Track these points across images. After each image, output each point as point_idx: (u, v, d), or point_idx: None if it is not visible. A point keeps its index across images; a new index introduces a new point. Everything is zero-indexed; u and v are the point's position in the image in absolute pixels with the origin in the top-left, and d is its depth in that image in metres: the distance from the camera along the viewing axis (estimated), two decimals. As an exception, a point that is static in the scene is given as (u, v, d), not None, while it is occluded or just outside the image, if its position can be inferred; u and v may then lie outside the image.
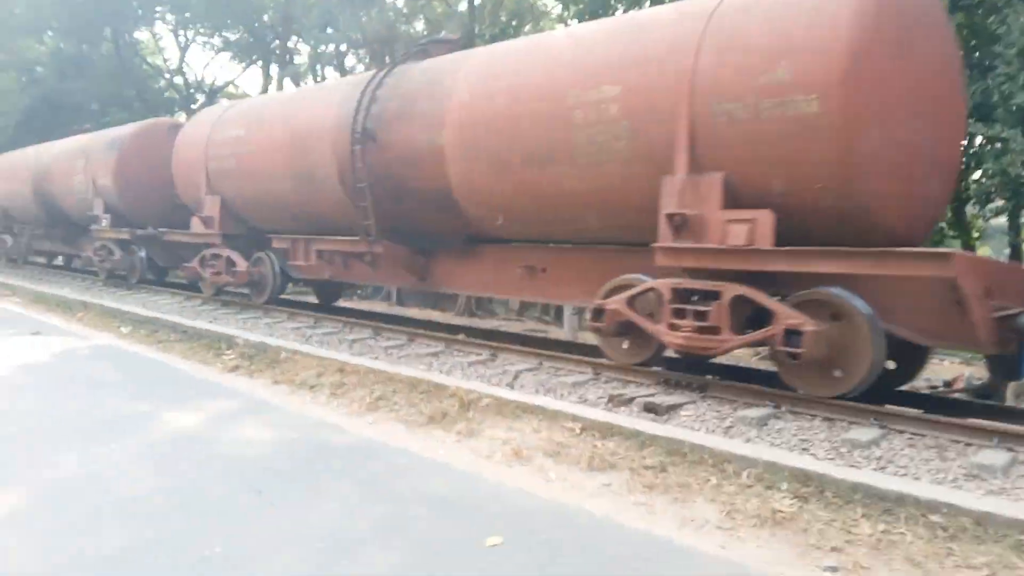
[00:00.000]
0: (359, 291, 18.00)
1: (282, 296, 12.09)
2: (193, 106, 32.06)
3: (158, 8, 29.28)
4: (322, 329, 9.26)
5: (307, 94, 10.88)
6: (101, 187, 14.85)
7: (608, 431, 4.89)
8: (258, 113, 11.39)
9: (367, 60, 21.82)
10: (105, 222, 14.86)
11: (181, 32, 31.99)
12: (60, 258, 21.48)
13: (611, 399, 5.68)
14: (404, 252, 9.05)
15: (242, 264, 11.40)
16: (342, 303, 14.09)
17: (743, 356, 9.95)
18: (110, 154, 14.58)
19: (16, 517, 3.67)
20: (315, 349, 7.82)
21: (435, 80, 8.19)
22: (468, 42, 18.39)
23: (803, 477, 4.06)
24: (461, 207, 7.96)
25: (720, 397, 5.71)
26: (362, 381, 6.64)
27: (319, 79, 24.68)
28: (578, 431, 5.01)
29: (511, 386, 6.25)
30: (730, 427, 5.01)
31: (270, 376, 7.32)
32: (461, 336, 8.63)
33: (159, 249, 14.25)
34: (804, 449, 4.58)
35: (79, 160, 15.73)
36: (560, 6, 21.18)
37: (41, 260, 21.53)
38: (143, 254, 14.60)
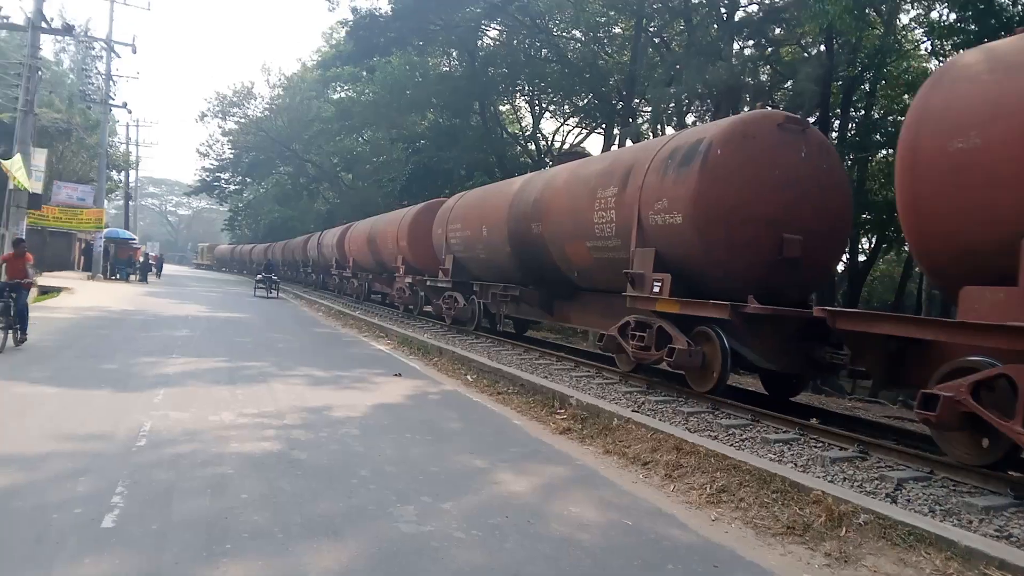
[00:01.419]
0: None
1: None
2: (547, 166, 34.69)
3: (518, 82, 32.41)
4: (655, 396, 8.67)
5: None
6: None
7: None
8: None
9: (709, 113, 21.25)
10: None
11: (536, 103, 35.05)
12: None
13: (1053, 540, 4.08)
14: None
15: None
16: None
17: None
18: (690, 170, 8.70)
19: (350, 578, 3.61)
20: (649, 420, 7.23)
21: None
22: (826, 88, 16.91)
23: None
24: None
25: None
26: (701, 465, 5.86)
27: (660, 133, 24.83)
28: (1006, 583, 3.65)
29: (892, 499, 4.96)
30: None
31: (601, 444, 6.90)
32: (814, 421, 7.38)
33: None
34: None
35: (611, 186, 10.40)
36: (928, 42, 18.61)
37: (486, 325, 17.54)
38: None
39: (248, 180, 63.84)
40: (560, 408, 8.30)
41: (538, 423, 7.90)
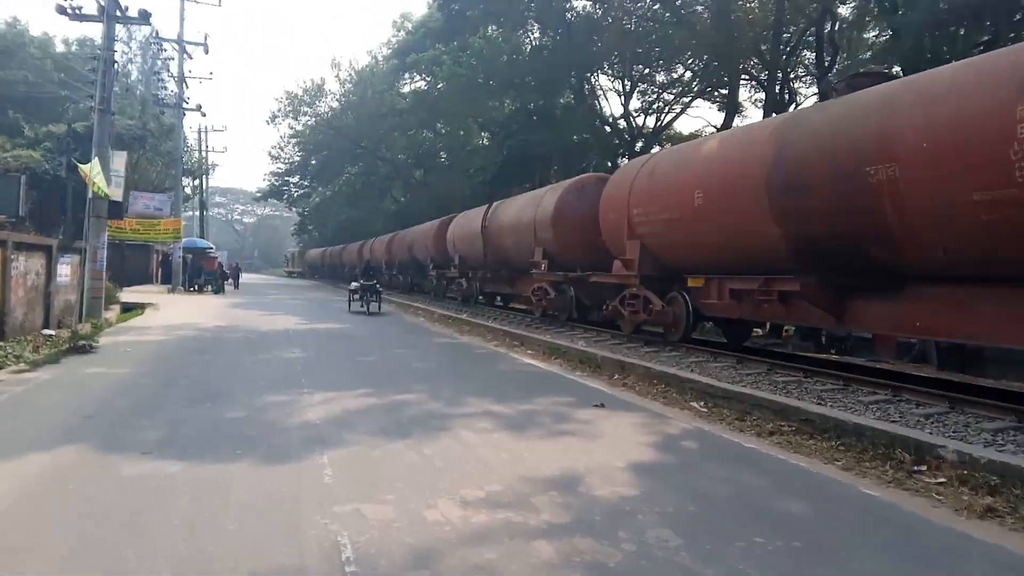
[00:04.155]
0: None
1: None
2: (637, 148, 31.59)
3: (615, 54, 29.26)
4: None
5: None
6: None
7: None
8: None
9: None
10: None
11: (627, 79, 31.78)
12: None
13: None
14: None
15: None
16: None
17: None
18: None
19: None
20: None
21: None
22: None
23: None
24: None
25: None
26: None
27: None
28: None
29: None
30: None
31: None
32: None
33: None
34: None
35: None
36: None
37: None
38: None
39: (316, 185, 62.31)
40: (919, 464, 5.43)
41: (902, 491, 5.04)
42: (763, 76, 23.56)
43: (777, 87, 21.88)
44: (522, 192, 20.42)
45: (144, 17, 17.97)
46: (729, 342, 12.65)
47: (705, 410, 7.79)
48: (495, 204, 21.51)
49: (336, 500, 4.51)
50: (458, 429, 6.67)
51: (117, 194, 18.34)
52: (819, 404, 7.16)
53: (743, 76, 23.60)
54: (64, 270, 13.99)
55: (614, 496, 4.78)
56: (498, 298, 24.09)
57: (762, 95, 30.41)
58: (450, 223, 26.03)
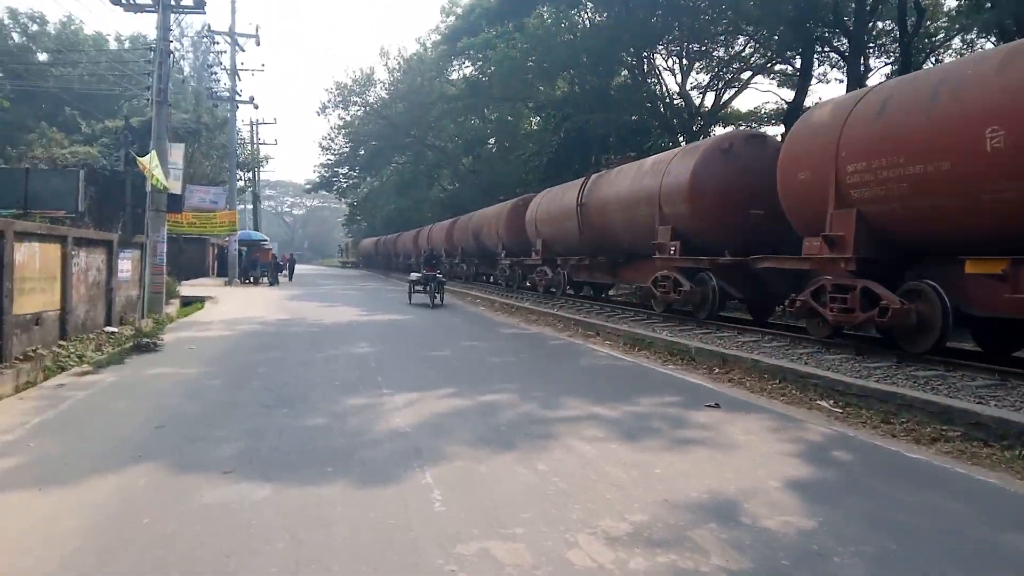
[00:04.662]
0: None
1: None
2: (696, 128, 30.20)
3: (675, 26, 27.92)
4: None
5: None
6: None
7: None
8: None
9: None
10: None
11: (685, 57, 30.36)
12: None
13: None
14: None
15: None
16: None
17: None
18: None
19: None
20: None
21: None
22: None
23: None
24: None
25: None
26: None
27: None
28: None
29: None
30: None
31: None
32: None
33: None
34: None
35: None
36: None
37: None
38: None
39: (365, 175, 62.12)
40: None
41: None
42: (841, 45, 22.07)
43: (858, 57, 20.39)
44: (625, 161, 17.60)
45: (199, 5, 17.51)
46: (986, 351, 9.26)
47: (839, 410, 6.84)
48: (593, 176, 18.41)
49: (456, 536, 3.74)
50: (565, 437, 5.87)
51: (176, 187, 17.95)
52: (981, 404, 6.15)
53: (818, 46, 22.11)
54: (125, 265, 13.60)
55: (789, 529, 3.91)
56: (584, 288, 21.19)
57: (825, 69, 29.03)
58: (528, 203, 22.92)
